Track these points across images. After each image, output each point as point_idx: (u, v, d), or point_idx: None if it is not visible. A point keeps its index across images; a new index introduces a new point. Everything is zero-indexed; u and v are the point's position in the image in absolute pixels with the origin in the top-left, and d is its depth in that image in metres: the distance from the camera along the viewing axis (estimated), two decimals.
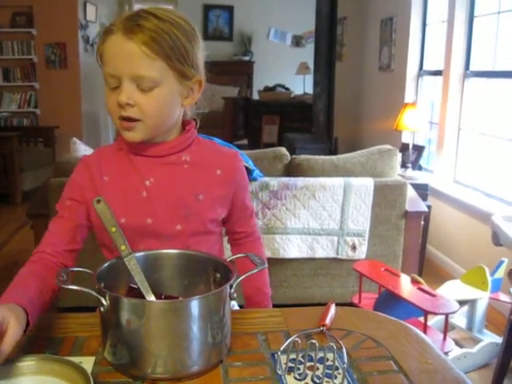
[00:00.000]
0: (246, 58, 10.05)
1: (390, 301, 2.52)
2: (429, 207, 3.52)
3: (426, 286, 2.52)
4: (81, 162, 1.26)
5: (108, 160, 1.23)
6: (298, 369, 0.98)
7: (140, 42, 1.08)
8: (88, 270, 1.09)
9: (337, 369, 0.98)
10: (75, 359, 0.94)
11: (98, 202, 1.06)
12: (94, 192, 1.17)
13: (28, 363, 0.93)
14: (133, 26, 1.09)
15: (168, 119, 1.19)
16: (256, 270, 1.07)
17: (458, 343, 2.71)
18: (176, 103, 1.18)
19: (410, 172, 4.13)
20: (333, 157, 3.12)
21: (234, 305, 1.53)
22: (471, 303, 2.72)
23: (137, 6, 10.23)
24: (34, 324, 1.00)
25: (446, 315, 2.37)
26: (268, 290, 1.40)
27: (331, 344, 1.03)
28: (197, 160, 1.24)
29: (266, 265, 1.09)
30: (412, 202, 3.08)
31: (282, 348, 1.03)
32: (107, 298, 0.95)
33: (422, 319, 2.36)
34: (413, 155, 4.30)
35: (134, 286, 1.04)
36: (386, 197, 2.98)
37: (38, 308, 1.04)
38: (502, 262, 2.76)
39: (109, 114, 1.17)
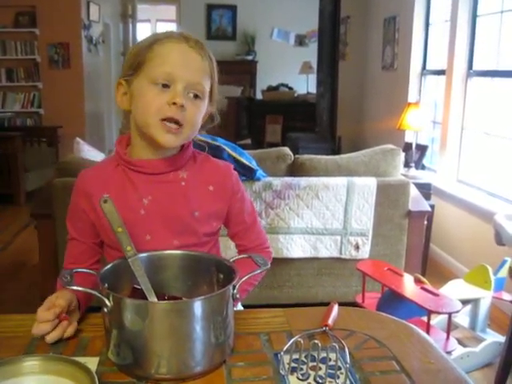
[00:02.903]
0: (250, 58, 10.04)
1: (393, 300, 2.52)
2: (432, 207, 3.52)
3: (429, 286, 2.52)
4: (78, 183, 1.27)
5: (106, 177, 1.24)
6: (301, 369, 0.99)
7: (203, 56, 1.19)
8: (92, 271, 1.10)
9: (339, 369, 0.99)
10: (79, 359, 0.94)
11: (105, 201, 1.06)
12: (95, 212, 1.20)
13: (33, 363, 0.94)
14: (196, 41, 1.18)
15: (194, 134, 1.23)
16: (259, 271, 1.08)
17: (461, 342, 2.71)
18: (200, 122, 1.23)
19: (413, 171, 4.13)
20: (336, 156, 3.13)
21: (238, 305, 1.54)
22: (474, 302, 2.72)
23: (140, 7, 10.24)
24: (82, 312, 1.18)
25: (449, 314, 2.37)
26: (249, 288, 1.34)
27: (334, 344, 1.03)
28: (193, 177, 1.25)
29: (268, 266, 1.09)
30: (415, 201, 3.08)
31: (284, 348, 1.04)
32: (111, 298, 0.95)
33: (425, 319, 2.36)
34: (416, 154, 4.30)
35: (138, 287, 1.05)
36: (389, 196, 2.98)
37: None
38: (505, 262, 2.75)
39: (144, 114, 1.17)
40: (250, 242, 1.36)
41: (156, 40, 1.17)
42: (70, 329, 1.08)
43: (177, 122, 1.15)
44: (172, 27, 9.96)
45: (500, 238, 2.27)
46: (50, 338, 1.05)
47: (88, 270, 1.12)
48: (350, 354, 1.03)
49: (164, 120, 1.15)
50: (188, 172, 1.25)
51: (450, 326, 2.41)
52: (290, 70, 9.47)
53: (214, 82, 1.23)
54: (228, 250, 2.53)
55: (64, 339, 1.07)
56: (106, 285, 0.99)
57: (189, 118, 1.16)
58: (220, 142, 2.68)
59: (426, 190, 3.65)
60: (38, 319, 1.06)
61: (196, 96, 1.17)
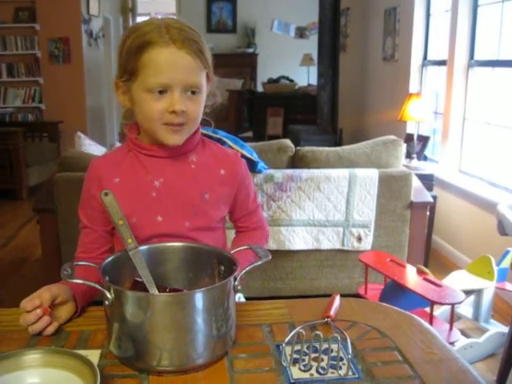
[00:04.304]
0: (250, 50, 10.02)
1: (395, 291, 2.52)
2: (434, 197, 3.51)
3: (431, 277, 2.51)
4: (90, 170, 1.29)
5: (118, 162, 1.27)
6: (303, 360, 0.99)
7: (194, 54, 1.16)
8: (93, 264, 1.10)
9: (341, 360, 0.99)
10: (81, 352, 0.94)
11: (106, 194, 1.07)
12: None
13: (34, 356, 0.94)
14: (183, 40, 1.15)
15: (198, 124, 1.25)
16: (260, 262, 1.08)
17: (464, 333, 2.71)
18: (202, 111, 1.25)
19: (415, 162, 4.12)
20: (337, 148, 3.11)
21: (241, 297, 1.54)
22: (477, 293, 2.72)
23: (140, 0, 10.19)
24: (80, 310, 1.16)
25: (452, 305, 2.37)
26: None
27: (336, 335, 1.03)
28: (202, 160, 1.28)
29: (270, 257, 1.09)
30: (417, 192, 3.08)
31: (286, 339, 1.04)
32: (112, 291, 0.95)
33: (428, 310, 2.36)
34: (418, 145, 4.29)
35: (139, 280, 1.05)
36: (391, 187, 2.97)
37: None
38: (507, 252, 2.75)
39: (147, 121, 1.20)
40: (253, 223, 1.41)
41: (143, 45, 1.14)
42: (50, 328, 1.07)
43: (181, 124, 1.18)
44: None
45: (503, 228, 2.26)
46: (31, 330, 1.06)
47: (90, 263, 1.11)
48: (352, 344, 1.03)
49: (169, 124, 1.17)
50: (197, 155, 1.28)
51: (452, 317, 2.41)
52: (290, 62, 9.44)
53: (209, 66, 1.22)
54: (228, 241, 2.54)
55: (46, 336, 1.07)
56: (108, 277, 0.99)
57: (191, 116, 1.19)
58: (221, 134, 2.68)
59: (428, 180, 3.65)
60: (20, 309, 1.07)
61: (194, 92, 1.18)
